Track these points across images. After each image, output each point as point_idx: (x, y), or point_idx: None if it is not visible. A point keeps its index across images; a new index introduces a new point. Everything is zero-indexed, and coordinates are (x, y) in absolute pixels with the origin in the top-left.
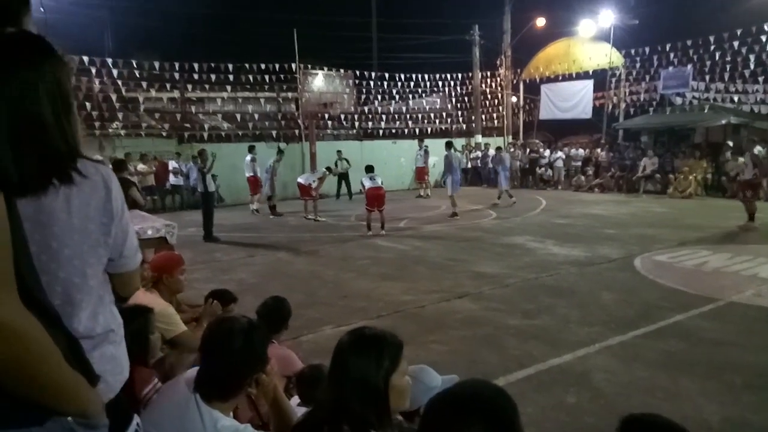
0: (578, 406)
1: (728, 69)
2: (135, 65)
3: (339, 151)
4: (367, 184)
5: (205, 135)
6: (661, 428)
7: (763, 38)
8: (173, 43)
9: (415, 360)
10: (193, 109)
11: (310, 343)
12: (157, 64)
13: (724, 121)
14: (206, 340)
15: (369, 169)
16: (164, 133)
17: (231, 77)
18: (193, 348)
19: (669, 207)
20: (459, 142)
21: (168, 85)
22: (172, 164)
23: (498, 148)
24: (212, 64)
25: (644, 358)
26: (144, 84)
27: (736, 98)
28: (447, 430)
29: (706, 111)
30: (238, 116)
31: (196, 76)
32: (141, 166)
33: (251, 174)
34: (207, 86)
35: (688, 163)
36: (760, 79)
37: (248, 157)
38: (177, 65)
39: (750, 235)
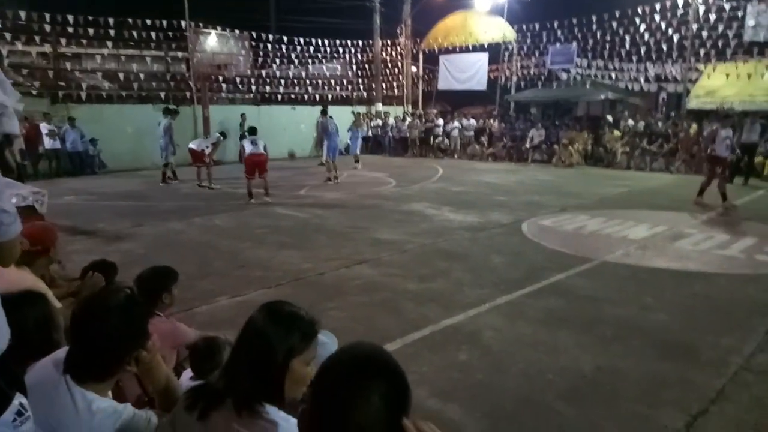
0: (469, 363)
1: (607, 48)
2: None
3: (243, 114)
4: (248, 148)
5: (83, 95)
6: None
7: (637, 20)
8: None
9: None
10: (68, 66)
11: (204, 314)
12: (23, 14)
13: (602, 96)
14: (77, 317)
15: (252, 131)
16: (34, 92)
17: (112, 32)
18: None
19: (553, 175)
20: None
21: (38, 38)
22: (45, 126)
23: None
24: (90, 18)
25: (528, 316)
26: (7, 36)
27: (613, 75)
28: (343, 394)
29: (587, 86)
30: (121, 75)
31: (71, 30)
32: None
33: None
34: (84, 41)
35: (570, 134)
36: (634, 58)
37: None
38: (48, 16)
39: (625, 201)
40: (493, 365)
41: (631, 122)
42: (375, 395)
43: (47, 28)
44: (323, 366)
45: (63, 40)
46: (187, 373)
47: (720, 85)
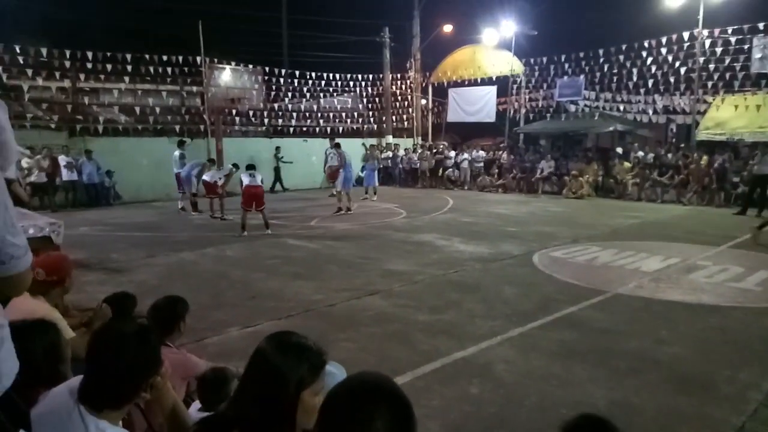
0: (481, 397)
1: (615, 80)
2: (18, 50)
3: (278, 147)
4: (246, 180)
5: (100, 128)
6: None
7: (644, 53)
8: (64, 29)
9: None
10: (86, 100)
11: (215, 345)
12: (44, 51)
13: (611, 128)
14: (94, 346)
15: (250, 166)
16: (53, 125)
17: (129, 68)
18: (81, 356)
19: (564, 206)
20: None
21: (57, 74)
22: (64, 159)
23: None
24: (108, 53)
25: (541, 348)
26: (29, 71)
27: (621, 107)
28: (348, 422)
29: (596, 118)
30: (138, 109)
31: (89, 65)
32: (27, 161)
33: (180, 170)
34: (102, 76)
35: (579, 166)
36: (642, 90)
37: (177, 153)
38: (68, 53)
39: (637, 233)
40: (506, 398)
41: (641, 153)
42: (378, 422)
43: (67, 64)
44: (329, 394)
45: (82, 75)
46: (196, 405)
47: (729, 116)
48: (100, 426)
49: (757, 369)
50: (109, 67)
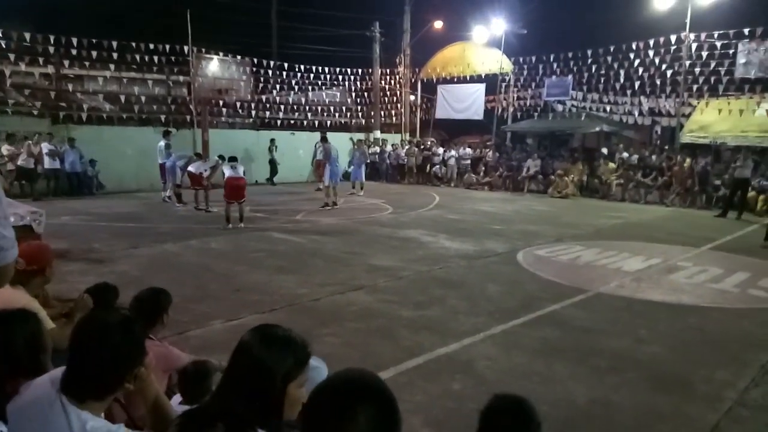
0: (463, 393)
1: (602, 81)
2: (0, 34)
3: (272, 139)
4: (227, 173)
5: (84, 116)
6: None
7: (631, 55)
8: (49, 14)
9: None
10: (70, 87)
11: (197, 338)
12: (28, 35)
13: (598, 129)
14: (77, 336)
15: (231, 159)
16: (35, 112)
17: (115, 55)
18: (61, 346)
19: (549, 206)
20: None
21: (41, 60)
22: (46, 146)
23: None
24: (93, 40)
25: (523, 346)
26: (11, 56)
27: (608, 108)
28: (331, 419)
29: (583, 118)
30: (123, 98)
31: (74, 52)
32: (6, 148)
33: (164, 161)
34: (87, 63)
35: (564, 165)
36: (628, 92)
37: (162, 143)
38: (52, 38)
39: (619, 233)
40: (488, 395)
41: (625, 154)
42: (362, 417)
43: (51, 49)
44: (314, 391)
45: (66, 62)
46: (177, 398)
47: (713, 120)
48: (81, 417)
49: (732, 369)
50: (94, 54)
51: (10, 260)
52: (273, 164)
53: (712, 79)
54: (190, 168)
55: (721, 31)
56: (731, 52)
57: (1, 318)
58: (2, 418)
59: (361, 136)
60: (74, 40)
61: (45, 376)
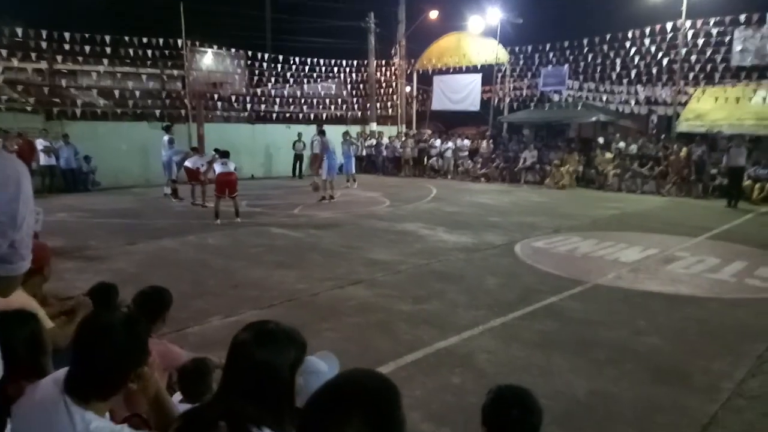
0: (462, 387)
1: (598, 70)
2: None
3: (300, 133)
4: (218, 168)
5: (78, 111)
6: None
7: (627, 44)
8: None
9: (308, 349)
10: (63, 82)
11: (196, 335)
12: (20, 30)
13: (594, 119)
14: (81, 336)
15: (223, 154)
16: (29, 108)
17: (108, 50)
18: (61, 346)
19: (546, 197)
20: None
21: (33, 55)
22: (41, 142)
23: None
24: (86, 35)
25: (522, 338)
26: (4, 52)
27: (604, 98)
28: (326, 422)
29: (579, 108)
30: (117, 92)
31: (67, 47)
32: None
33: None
34: (80, 58)
35: (560, 156)
36: (625, 81)
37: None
38: (44, 33)
39: (616, 223)
40: (487, 388)
41: (622, 144)
42: (356, 422)
43: (44, 44)
44: (312, 395)
45: (59, 57)
46: (177, 396)
47: (709, 108)
48: (86, 417)
49: (729, 359)
50: (87, 48)
51: (23, 270)
52: (299, 158)
53: (708, 66)
54: (187, 163)
55: (717, 18)
56: (727, 39)
57: (24, 316)
58: (3, 420)
59: (357, 128)
60: (67, 35)
61: (49, 377)
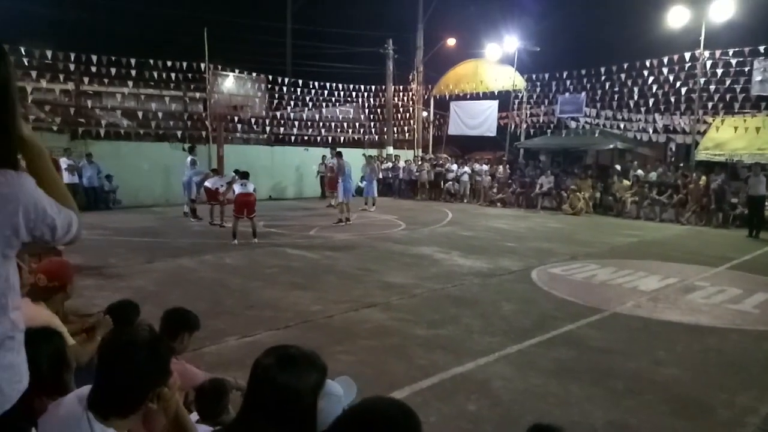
0: (478, 414)
1: (616, 98)
2: (23, 52)
3: (324, 156)
4: (237, 189)
5: (102, 131)
6: None
7: (645, 72)
8: (70, 33)
9: None
10: (89, 103)
11: (212, 355)
12: (49, 53)
13: (612, 146)
14: (105, 353)
15: (243, 175)
16: (55, 128)
17: (133, 72)
18: (81, 363)
19: (563, 223)
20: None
21: (61, 76)
22: (65, 161)
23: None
24: (112, 57)
25: (538, 366)
26: (33, 73)
27: (622, 125)
28: None
29: (596, 135)
30: (140, 114)
31: (93, 69)
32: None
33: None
34: (106, 80)
35: (576, 182)
36: (642, 109)
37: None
38: (72, 56)
39: (635, 251)
40: (503, 417)
41: (640, 172)
42: None
43: (71, 66)
44: (334, 422)
45: (86, 79)
46: (194, 416)
47: (728, 138)
48: None
49: (754, 393)
50: (113, 71)
51: (80, 232)
52: (323, 179)
53: (728, 96)
54: (207, 183)
55: (736, 49)
56: (746, 69)
57: (24, 336)
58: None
59: (374, 151)
60: (94, 58)
61: (72, 394)
